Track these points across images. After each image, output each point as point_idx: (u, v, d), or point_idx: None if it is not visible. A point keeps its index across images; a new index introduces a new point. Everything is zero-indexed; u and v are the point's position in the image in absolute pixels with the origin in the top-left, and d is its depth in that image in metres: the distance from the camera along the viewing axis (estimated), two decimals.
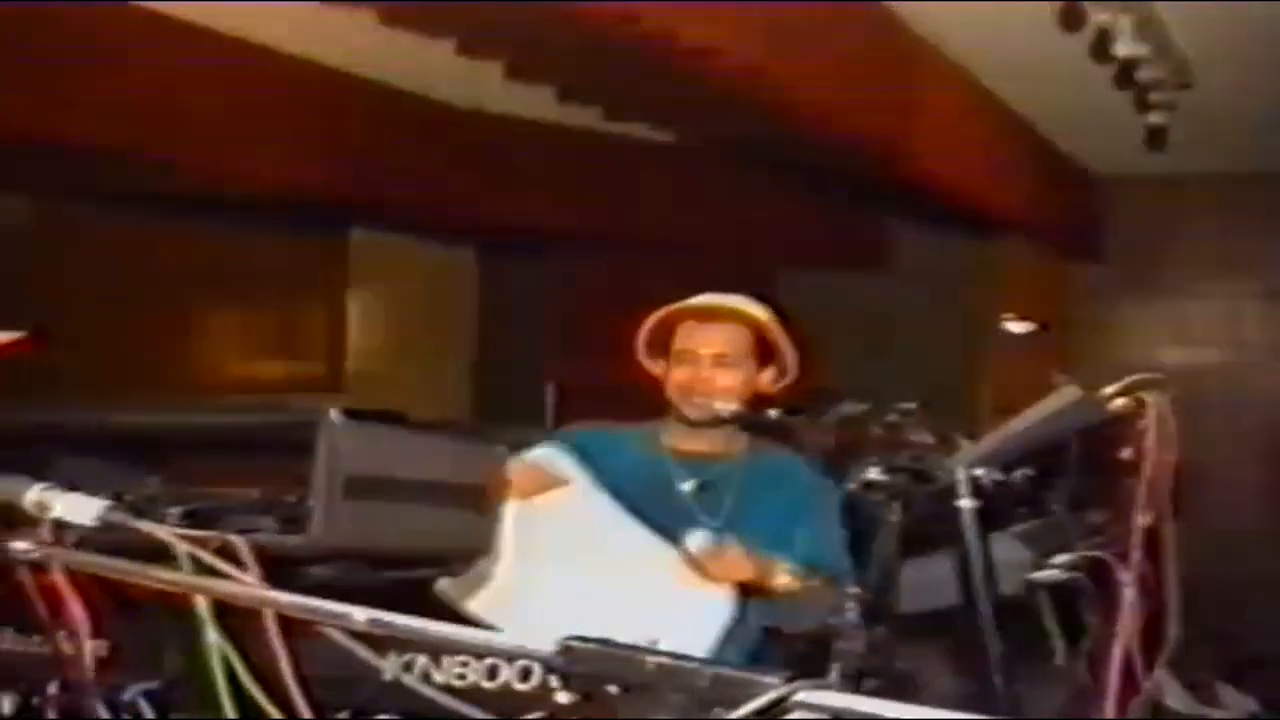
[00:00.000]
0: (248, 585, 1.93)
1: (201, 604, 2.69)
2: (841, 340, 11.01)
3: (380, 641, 1.97)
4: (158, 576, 2.08)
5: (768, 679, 1.53)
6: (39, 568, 2.80)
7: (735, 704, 1.53)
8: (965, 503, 3.33)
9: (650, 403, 4.48)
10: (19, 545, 2.08)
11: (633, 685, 1.61)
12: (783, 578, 4.05)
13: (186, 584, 2.11)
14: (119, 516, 2.06)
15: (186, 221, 9.71)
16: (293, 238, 10.04)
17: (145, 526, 2.06)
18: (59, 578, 2.90)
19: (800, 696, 1.51)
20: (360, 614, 1.76)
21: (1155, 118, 7.66)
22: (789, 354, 4.39)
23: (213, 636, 2.69)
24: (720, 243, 10.16)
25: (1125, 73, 7.07)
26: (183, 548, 2.08)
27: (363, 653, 1.81)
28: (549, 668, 2.84)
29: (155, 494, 2.91)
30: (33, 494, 2.07)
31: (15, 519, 2.10)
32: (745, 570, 3.96)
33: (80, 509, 2.06)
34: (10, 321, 3.08)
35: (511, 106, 8.93)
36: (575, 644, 1.65)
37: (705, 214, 10.23)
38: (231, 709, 2.67)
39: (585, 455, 4.30)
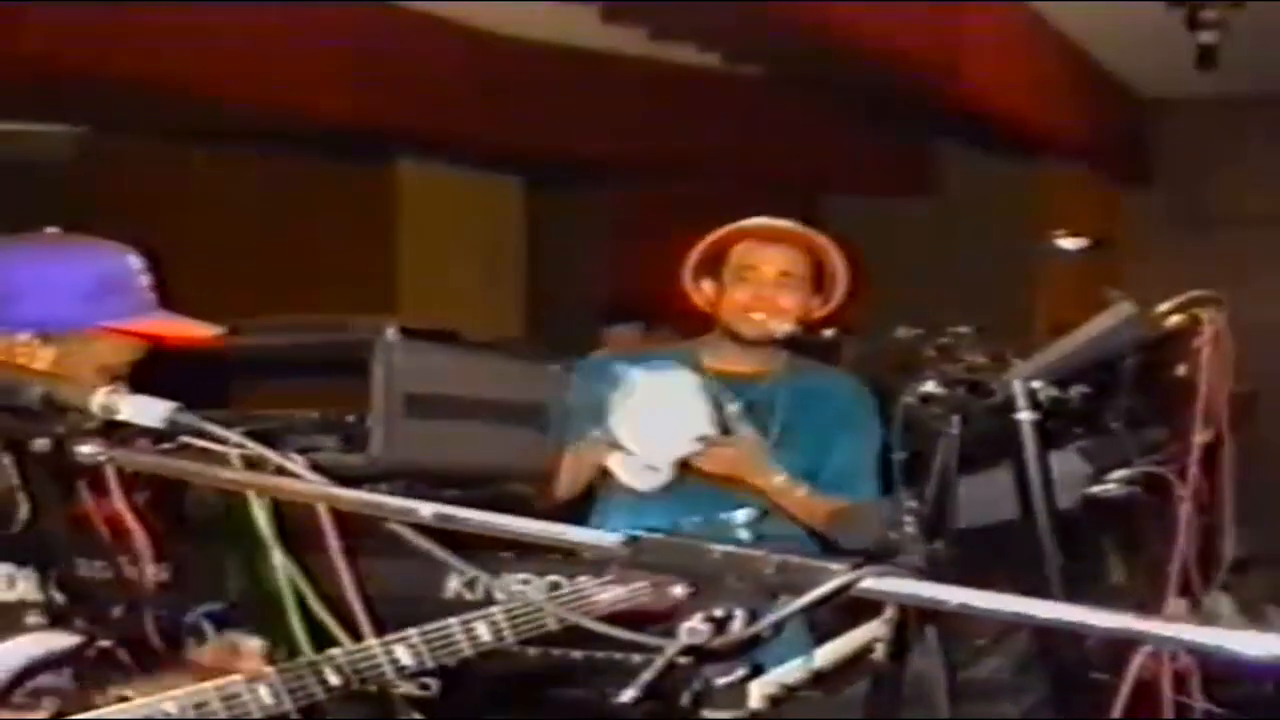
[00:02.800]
0: (310, 482, 1.93)
1: (265, 526, 2.71)
2: (890, 266, 10.98)
3: (441, 564, 1.96)
4: (220, 476, 2.09)
5: (833, 566, 1.52)
6: (101, 491, 2.83)
7: (801, 591, 1.53)
8: (1024, 415, 3.32)
9: (699, 330, 4.48)
10: (85, 448, 2.09)
11: (698, 575, 1.60)
12: (776, 481, 4.12)
13: (248, 482, 2.11)
14: (186, 418, 2.06)
15: (232, 154, 9.72)
16: (341, 169, 10.03)
17: (211, 428, 2.05)
18: (121, 503, 2.93)
19: (866, 584, 1.51)
20: (426, 509, 1.75)
21: (1206, 36, 7.59)
22: (841, 281, 4.37)
23: (278, 558, 2.71)
24: (766, 169, 10.11)
25: None
26: (242, 443, 2.08)
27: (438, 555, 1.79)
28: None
29: (216, 416, 2.92)
30: (100, 396, 2.07)
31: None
32: (739, 466, 4.08)
33: (147, 410, 2.06)
34: None
35: (556, 33, 8.89)
36: (641, 535, 1.64)
37: (751, 141, 10.18)
38: (300, 627, 2.69)
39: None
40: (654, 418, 3.98)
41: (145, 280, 3.05)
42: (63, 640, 2.66)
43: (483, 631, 2.67)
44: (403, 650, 2.59)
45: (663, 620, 1.65)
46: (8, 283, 2.90)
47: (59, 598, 2.75)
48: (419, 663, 2.61)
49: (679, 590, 1.64)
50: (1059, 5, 8.41)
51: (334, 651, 2.56)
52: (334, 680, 2.53)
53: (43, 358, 2.85)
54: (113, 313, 2.95)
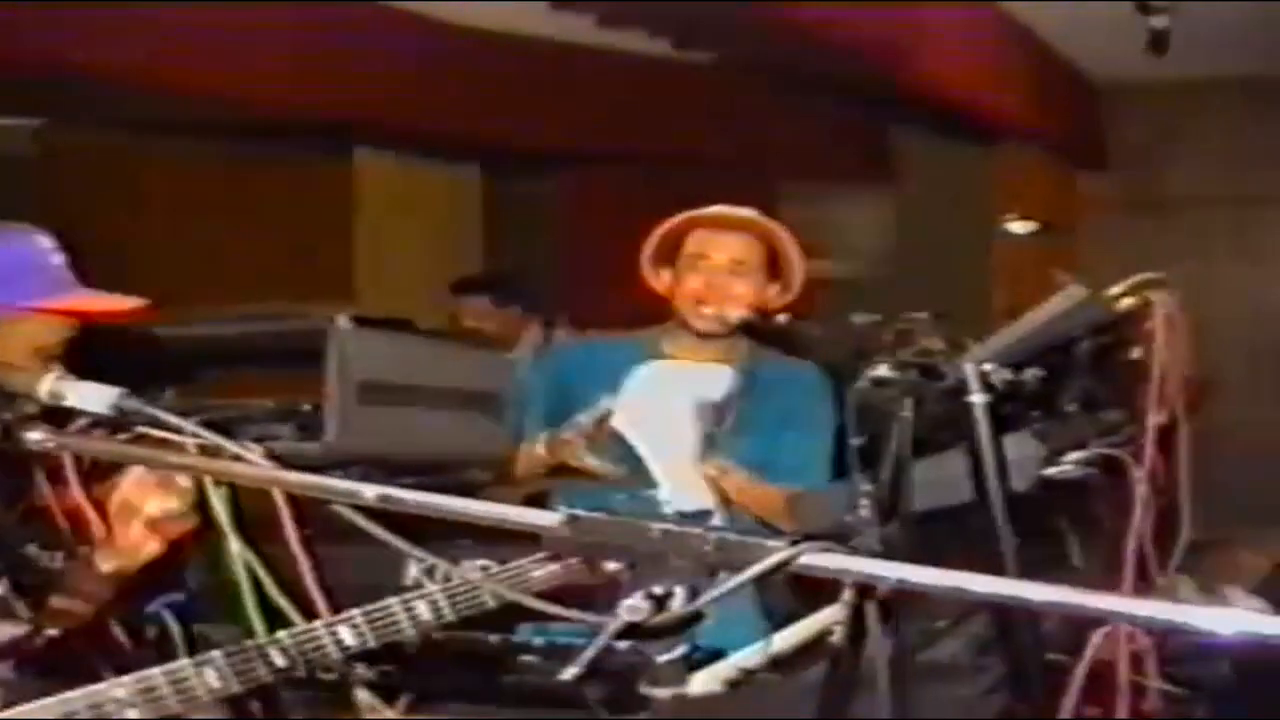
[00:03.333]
0: (256, 465, 1.94)
1: (223, 515, 2.71)
2: (850, 252, 11.02)
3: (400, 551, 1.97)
4: (168, 459, 2.10)
5: (771, 543, 1.54)
6: (59, 480, 2.83)
7: (740, 568, 1.54)
8: (976, 398, 3.33)
9: (657, 318, 4.48)
10: (34, 435, 2.09)
11: (638, 553, 1.62)
12: (737, 479, 4.17)
13: (196, 466, 2.13)
14: (132, 404, 2.07)
15: (192, 146, 9.69)
16: (299, 160, 10.01)
17: (160, 415, 2.06)
18: (78, 494, 2.93)
19: (804, 560, 1.52)
20: (370, 491, 1.77)
21: (1158, 21, 7.63)
22: (797, 269, 4.38)
23: (235, 546, 2.71)
24: (722, 157, 10.11)
25: None
26: (190, 428, 2.09)
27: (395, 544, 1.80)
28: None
29: (171, 405, 2.92)
30: (46, 383, 2.08)
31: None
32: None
33: (94, 397, 2.07)
34: None
35: (509, 23, 8.89)
36: (581, 514, 1.66)
37: (710, 129, 10.19)
38: (258, 618, 2.70)
39: (583, 370, 4.35)
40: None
41: (59, 259, 3.06)
42: (4, 631, 2.67)
43: (423, 610, 2.69)
44: (346, 631, 2.61)
45: (604, 595, 1.67)
46: None
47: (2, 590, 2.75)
48: (362, 643, 2.63)
49: (615, 565, 1.66)
50: None
51: (279, 634, 2.57)
52: (280, 662, 2.54)
53: None
54: (31, 293, 2.96)
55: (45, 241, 3.08)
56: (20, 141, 10.37)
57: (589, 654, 1.61)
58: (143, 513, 2.74)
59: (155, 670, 2.46)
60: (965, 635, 3.96)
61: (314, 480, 1.90)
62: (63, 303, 2.98)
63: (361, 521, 1.82)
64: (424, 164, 10.45)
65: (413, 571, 3.08)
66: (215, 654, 2.49)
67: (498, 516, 1.72)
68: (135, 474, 2.67)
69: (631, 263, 4.45)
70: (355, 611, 2.62)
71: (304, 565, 2.60)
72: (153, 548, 2.81)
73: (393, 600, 2.65)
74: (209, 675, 2.48)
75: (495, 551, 3.00)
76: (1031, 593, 1.50)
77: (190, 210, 10.13)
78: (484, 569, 2.90)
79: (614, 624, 1.59)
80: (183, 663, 2.49)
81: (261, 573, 2.68)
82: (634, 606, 1.58)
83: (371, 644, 2.66)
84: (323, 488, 1.88)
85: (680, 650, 1.78)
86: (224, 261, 10.29)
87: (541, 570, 2.78)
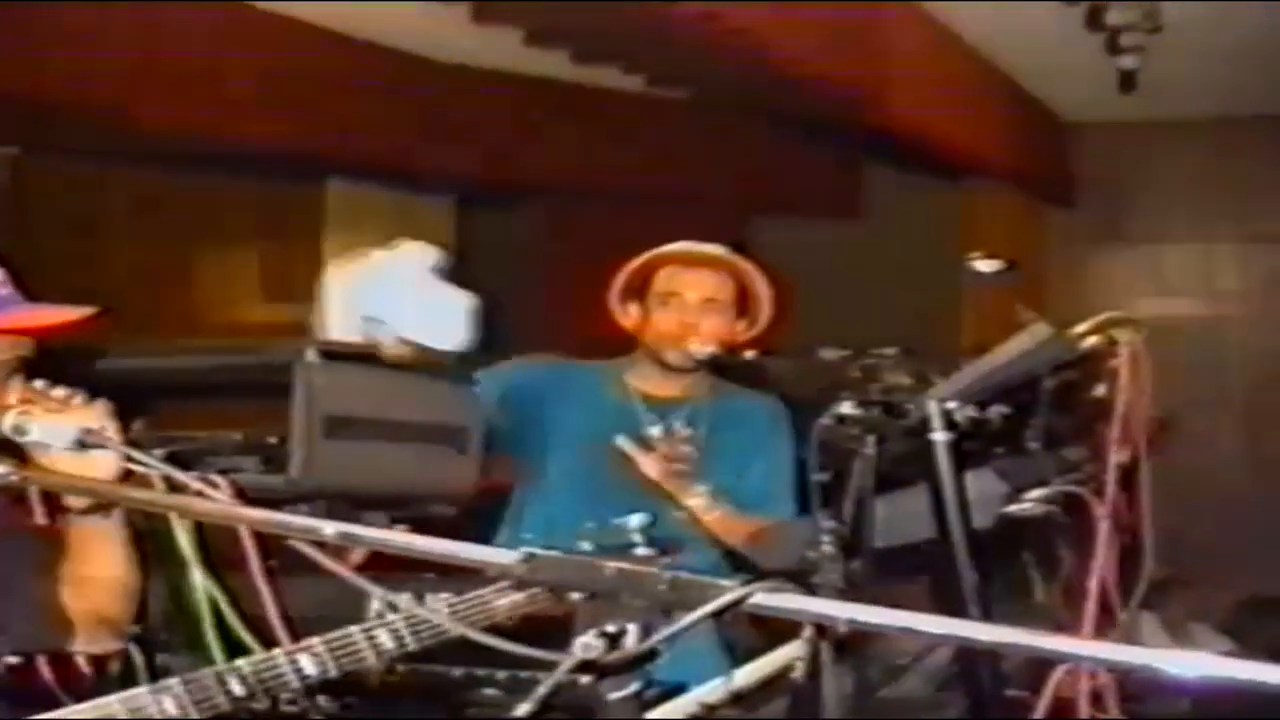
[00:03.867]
0: (218, 501, 1.95)
1: (186, 545, 2.71)
2: (814, 287, 11.02)
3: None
4: (131, 495, 2.11)
5: (725, 583, 1.56)
6: (24, 511, 2.83)
7: (694, 607, 1.56)
8: (939, 435, 3.35)
9: (622, 349, 4.50)
10: None
11: (593, 592, 1.64)
12: (694, 501, 4.20)
13: (159, 502, 2.14)
14: (94, 437, 2.08)
15: (163, 175, 9.68)
16: (271, 190, 10.01)
17: (120, 449, 2.08)
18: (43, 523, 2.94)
19: (757, 599, 1.54)
20: (329, 527, 1.78)
21: (1126, 61, 7.68)
22: (765, 305, 4.41)
23: (198, 578, 2.72)
24: (692, 192, 10.13)
25: (1095, 16, 7.09)
26: (153, 464, 2.10)
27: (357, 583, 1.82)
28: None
29: (137, 437, 2.92)
30: (9, 418, 2.10)
31: None
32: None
33: (57, 432, 2.08)
34: None
35: (482, 58, 8.92)
36: (537, 552, 1.67)
37: (681, 163, 10.22)
38: (218, 649, 2.70)
39: (548, 389, 4.37)
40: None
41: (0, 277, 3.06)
42: None
43: (385, 639, 2.69)
44: (307, 660, 2.60)
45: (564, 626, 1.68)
46: None
47: None
48: (323, 671, 2.62)
49: (578, 596, 1.67)
50: (983, 30, 8.49)
51: (239, 661, 2.57)
52: (238, 690, 2.53)
53: None
54: None
55: None
56: None
57: (542, 691, 1.63)
58: None
59: (112, 698, 2.45)
60: (926, 672, 3.98)
61: (274, 517, 1.91)
62: (10, 319, 2.97)
63: (321, 559, 1.83)
64: (397, 195, 10.44)
65: (375, 605, 3.09)
66: (173, 681, 2.49)
67: (456, 554, 1.74)
68: None
69: (602, 296, 4.47)
70: (316, 640, 2.62)
71: (266, 598, 2.60)
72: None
73: (355, 629, 2.66)
74: (167, 703, 2.47)
75: (460, 584, 3.01)
76: (982, 633, 1.52)
77: (160, 239, 10.12)
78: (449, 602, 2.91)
79: (567, 661, 1.60)
80: (140, 690, 2.49)
81: (224, 604, 2.68)
82: (587, 644, 1.60)
83: (333, 673, 2.65)
84: (283, 525, 1.89)
85: (633, 687, 1.79)
86: (195, 289, 10.29)
87: (505, 600, 2.79)
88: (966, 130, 9.04)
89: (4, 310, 3.00)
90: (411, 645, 2.72)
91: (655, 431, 4.38)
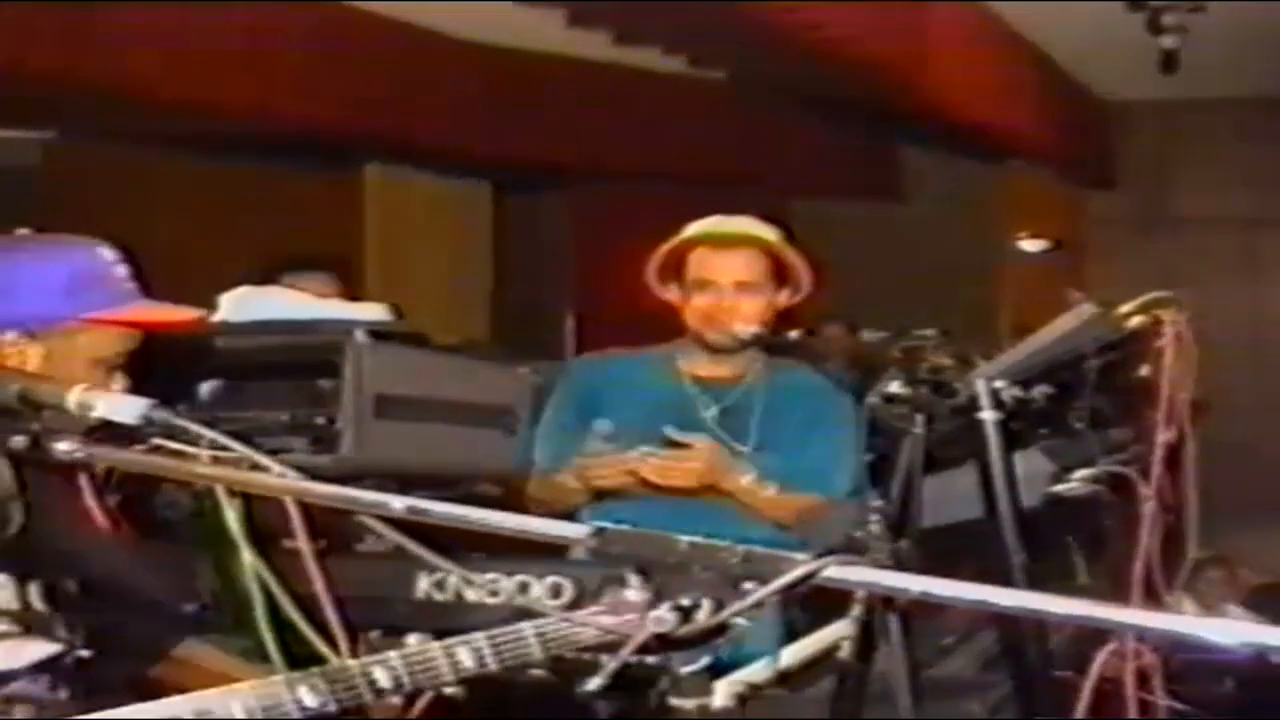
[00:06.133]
0: (282, 476, 1.96)
1: (235, 526, 2.72)
2: (857, 268, 11.02)
3: (412, 561, 1.99)
4: (194, 470, 2.11)
5: (798, 556, 1.55)
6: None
7: (766, 580, 1.56)
8: (987, 414, 3.35)
9: (669, 331, 4.49)
10: (63, 445, 2.11)
11: (664, 564, 1.63)
12: (743, 483, 4.16)
13: (221, 476, 2.14)
14: (161, 414, 2.09)
15: (201, 159, 9.71)
16: (309, 174, 10.01)
17: (187, 424, 2.08)
18: (93, 504, 2.95)
19: (829, 573, 1.53)
20: (398, 502, 1.78)
21: (1168, 41, 7.64)
22: (803, 272, 4.39)
23: (248, 557, 2.72)
24: (734, 174, 10.12)
25: None
26: (220, 440, 2.10)
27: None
28: (580, 583, 2.89)
29: (185, 416, 2.93)
30: (75, 394, 2.10)
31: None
32: (703, 476, 4.15)
33: (123, 408, 2.09)
34: None
35: (523, 39, 8.92)
36: (608, 526, 1.67)
37: (718, 145, 10.20)
38: (268, 629, 2.70)
39: (604, 387, 4.36)
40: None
41: (122, 271, 3.08)
42: (38, 649, 2.67)
43: (465, 658, 2.66)
44: (381, 672, 2.58)
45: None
46: None
47: (40, 606, 2.76)
48: (397, 686, 2.60)
49: (665, 623, 1.65)
50: (1023, 10, 8.46)
51: (312, 670, 2.56)
52: (309, 701, 2.52)
53: (32, 355, 2.90)
54: (92, 305, 2.99)
55: (107, 254, 3.11)
56: (28, 153, 10.38)
57: (613, 665, 1.63)
58: None
59: (180, 699, 2.43)
60: (972, 652, 3.97)
61: (341, 492, 1.91)
62: (124, 314, 3.01)
63: (389, 533, 1.83)
64: (434, 179, 10.45)
65: (423, 584, 3.10)
66: (244, 686, 2.47)
67: (525, 528, 1.74)
68: None
69: (638, 281, 4.46)
70: (393, 654, 2.60)
71: (316, 578, 2.60)
72: None
73: (434, 645, 2.63)
74: (235, 708, 2.45)
75: (508, 565, 3.02)
76: (1050, 605, 1.52)
77: (199, 224, 10.14)
78: (522, 586, 2.90)
79: (640, 635, 1.60)
80: (209, 693, 2.46)
81: (273, 585, 2.69)
82: (660, 617, 1.59)
83: (408, 688, 2.63)
84: (350, 499, 1.90)
85: (704, 661, 1.79)
86: (233, 274, 10.30)
87: (588, 630, 2.76)
88: (1006, 112, 9.01)
89: (125, 304, 3.03)
90: (493, 666, 2.70)
91: (711, 413, 4.37)
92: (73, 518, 2.98)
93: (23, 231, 3.20)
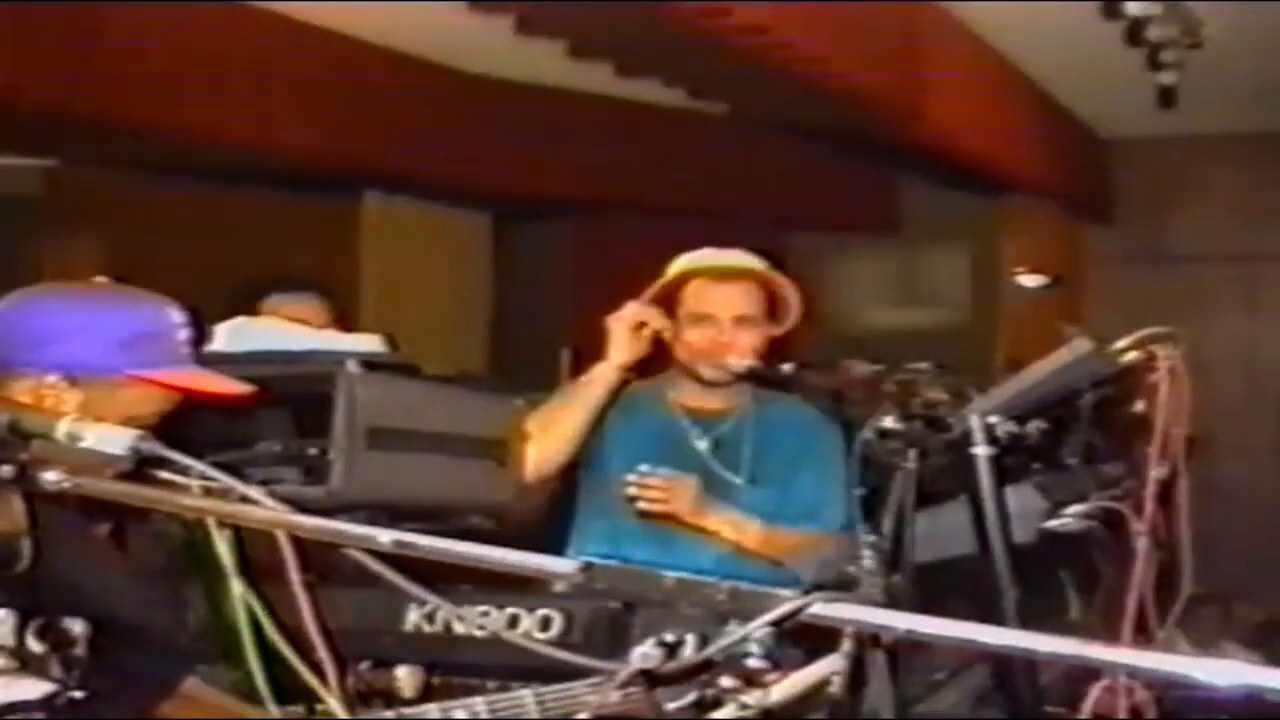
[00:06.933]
0: (270, 509, 1.96)
1: (226, 554, 2.72)
2: (852, 302, 11.04)
3: (402, 593, 1.99)
4: (183, 502, 2.11)
5: (783, 592, 1.55)
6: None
7: (752, 617, 1.56)
8: (980, 450, 3.35)
9: (665, 365, 4.49)
10: (50, 475, 2.11)
11: (650, 600, 1.63)
12: (719, 519, 4.15)
13: (210, 509, 2.14)
14: (149, 446, 2.09)
15: (199, 189, 9.72)
16: (307, 203, 10.02)
17: (177, 457, 2.08)
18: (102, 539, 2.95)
19: (816, 609, 1.53)
20: (385, 536, 1.78)
21: (1166, 77, 7.64)
22: (794, 304, 4.40)
23: (237, 587, 2.72)
24: (728, 208, 10.13)
25: (1135, 31, 7.06)
26: (207, 473, 2.10)
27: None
28: (569, 615, 2.88)
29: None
30: (64, 424, 2.10)
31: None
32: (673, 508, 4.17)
33: (112, 439, 2.09)
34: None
35: (523, 70, 8.93)
36: (595, 561, 1.67)
37: (717, 178, 10.21)
38: (255, 660, 2.70)
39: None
40: None
41: (184, 334, 3.08)
42: (32, 687, 2.66)
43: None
44: None
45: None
46: (45, 325, 2.94)
47: (36, 646, 2.75)
48: None
49: (650, 659, 1.65)
50: (1022, 45, 8.48)
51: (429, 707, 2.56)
52: None
53: (69, 400, 2.88)
54: (143, 362, 2.98)
55: (175, 315, 3.10)
56: (29, 182, 10.40)
57: (597, 699, 1.63)
58: None
59: None
60: (964, 687, 3.96)
61: (329, 525, 1.91)
62: (170, 376, 3.00)
63: (376, 566, 1.83)
64: (433, 209, 10.46)
65: (413, 616, 3.10)
66: None
67: (513, 563, 1.74)
68: None
69: None
70: (389, 714, 2.60)
71: (305, 609, 2.60)
72: None
73: (431, 706, 2.63)
74: None
75: (497, 597, 3.01)
76: (1039, 644, 1.52)
77: (198, 251, 10.15)
78: (511, 620, 2.89)
79: (625, 670, 1.60)
80: None
81: (262, 616, 2.69)
82: (646, 654, 1.59)
83: None
84: (337, 533, 1.90)
85: (690, 697, 1.79)
86: (221, 297, 10.29)
87: (596, 695, 2.75)
88: (1004, 146, 9.01)
89: (178, 368, 3.03)
90: None
91: (703, 445, 4.37)
92: (85, 554, 2.97)
93: (100, 279, 3.21)
